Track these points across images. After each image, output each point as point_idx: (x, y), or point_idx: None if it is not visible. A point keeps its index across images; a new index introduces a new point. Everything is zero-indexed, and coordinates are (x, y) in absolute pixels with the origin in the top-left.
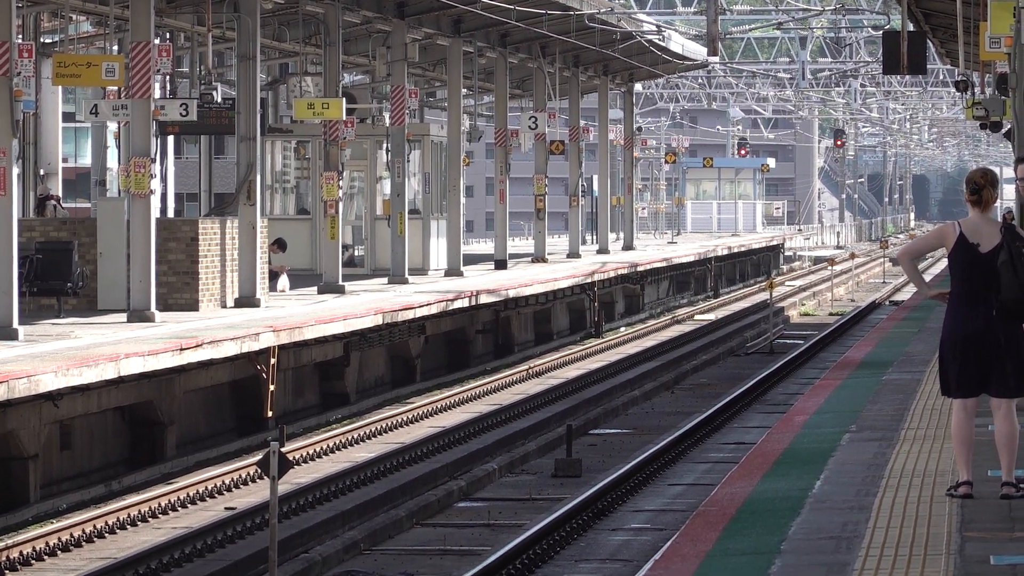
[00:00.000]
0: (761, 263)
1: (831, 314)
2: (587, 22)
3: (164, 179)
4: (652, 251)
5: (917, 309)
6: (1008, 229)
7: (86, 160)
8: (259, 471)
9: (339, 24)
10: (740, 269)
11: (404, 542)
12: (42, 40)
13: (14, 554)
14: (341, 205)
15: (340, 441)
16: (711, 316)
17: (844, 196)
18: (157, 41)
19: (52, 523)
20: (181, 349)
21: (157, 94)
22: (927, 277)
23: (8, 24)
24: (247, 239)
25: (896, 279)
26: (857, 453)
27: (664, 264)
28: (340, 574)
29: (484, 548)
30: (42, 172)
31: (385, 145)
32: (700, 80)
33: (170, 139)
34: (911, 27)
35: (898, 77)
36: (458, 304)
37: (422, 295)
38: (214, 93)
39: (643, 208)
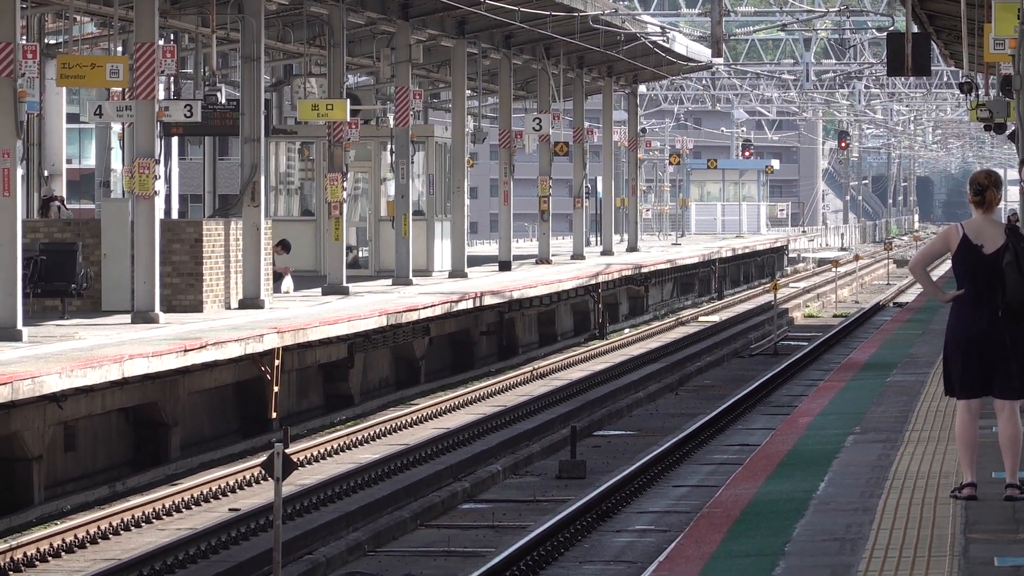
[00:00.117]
0: (765, 265)
1: (835, 316)
2: (591, 23)
3: (168, 180)
4: (656, 253)
5: (921, 311)
6: (1012, 230)
7: (90, 161)
8: (263, 472)
9: (343, 25)
10: (744, 271)
11: (408, 543)
12: (46, 41)
13: (18, 555)
14: (345, 206)
15: (344, 442)
16: (715, 318)
17: (848, 198)
18: (161, 42)
19: (56, 524)
20: (185, 350)
21: (161, 95)
22: (932, 277)
23: (12, 25)
24: (251, 240)
25: (900, 280)
26: (861, 455)
27: (668, 266)
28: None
29: (488, 550)
30: (46, 173)
31: (389, 146)
32: (704, 82)
33: (174, 140)
34: (915, 29)
35: (902, 79)
36: (462, 305)
37: (426, 296)
38: (218, 94)
39: (647, 210)
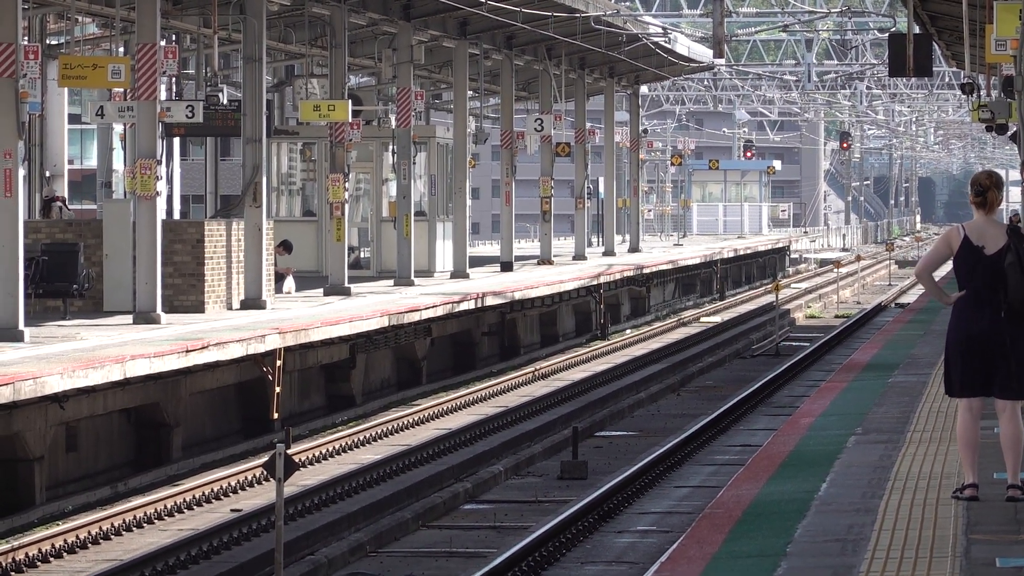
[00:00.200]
0: (767, 265)
1: (837, 316)
2: (593, 24)
3: (170, 181)
4: (658, 253)
5: (923, 311)
6: (1014, 231)
7: (92, 162)
8: (265, 473)
9: (345, 26)
10: (746, 271)
11: (410, 544)
12: (48, 42)
13: (20, 556)
14: (347, 207)
15: (346, 443)
16: (717, 318)
17: (850, 198)
18: (163, 43)
19: (58, 525)
20: (187, 351)
21: (163, 96)
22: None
23: (14, 26)
24: (253, 241)
25: (902, 281)
26: (863, 455)
27: (670, 266)
28: None
29: (490, 550)
30: (48, 174)
31: (391, 147)
32: (706, 82)
33: (176, 141)
34: (917, 29)
35: (904, 79)
36: (464, 306)
37: (428, 297)
38: (220, 95)
39: (649, 210)
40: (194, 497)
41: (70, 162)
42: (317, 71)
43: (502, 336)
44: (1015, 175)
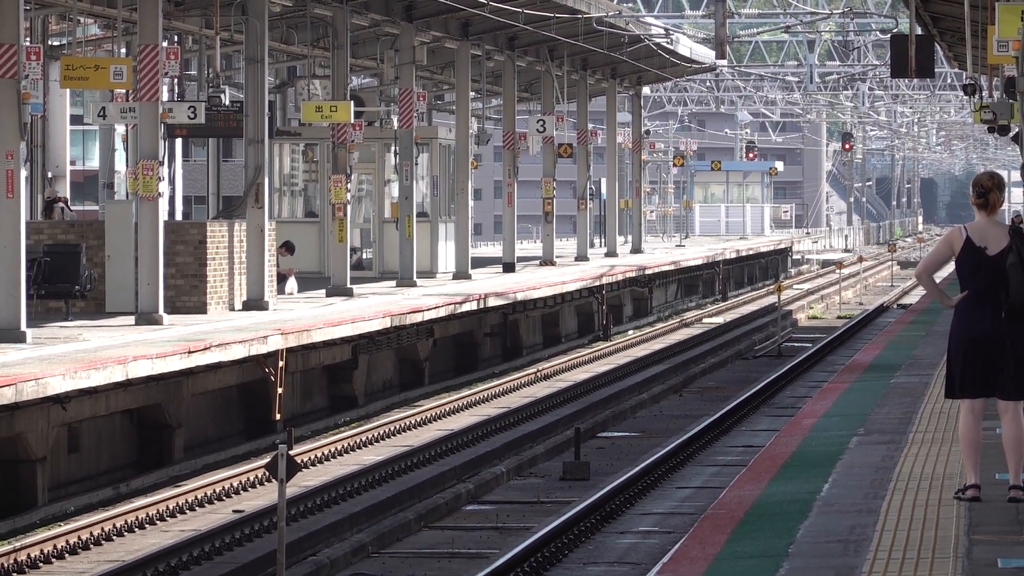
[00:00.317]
0: (769, 266)
1: (839, 317)
2: (595, 25)
3: (172, 182)
4: (660, 254)
5: (925, 312)
6: (1016, 232)
7: (94, 163)
8: (267, 474)
9: (347, 27)
10: (748, 272)
11: (412, 545)
12: (50, 43)
13: (22, 557)
14: (349, 208)
15: (348, 444)
16: (719, 319)
17: (852, 199)
18: (165, 44)
19: (60, 526)
20: (189, 352)
21: (165, 97)
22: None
23: (16, 27)
24: (255, 242)
25: (904, 282)
26: (865, 456)
27: (672, 267)
28: None
29: (492, 551)
30: (50, 175)
31: (393, 148)
32: (708, 83)
33: (178, 142)
34: (919, 31)
35: (906, 81)
36: (466, 307)
37: (430, 298)
38: (222, 96)
39: (651, 211)
40: (196, 498)
41: (72, 163)
42: (319, 72)
43: (504, 337)
44: (1017, 176)
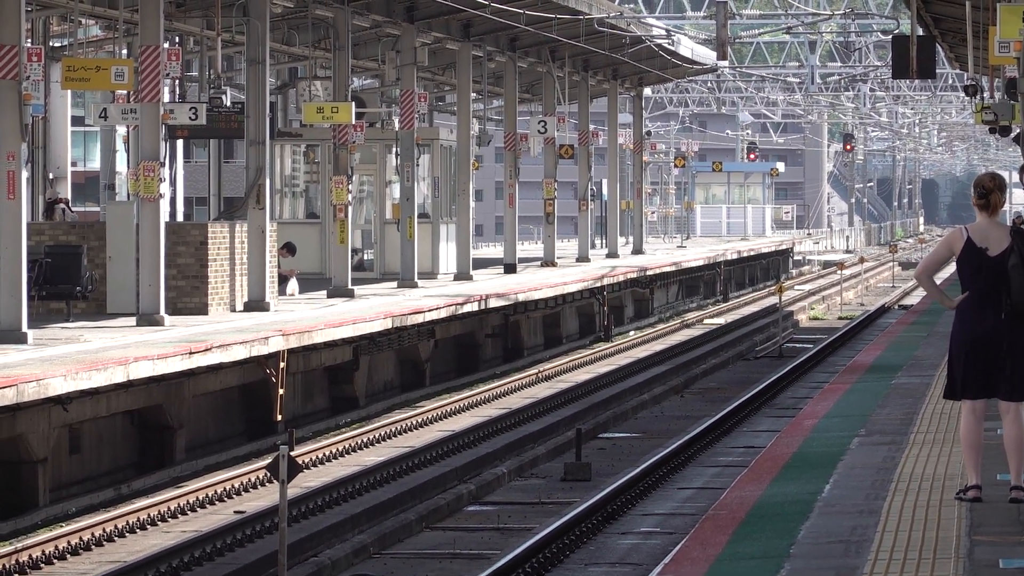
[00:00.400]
0: (770, 267)
1: (840, 318)
2: (596, 26)
3: (173, 183)
4: (661, 255)
5: (926, 313)
6: (1018, 233)
7: (95, 164)
8: (268, 475)
9: (348, 28)
10: (749, 273)
11: (413, 546)
12: (51, 44)
13: (23, 558)
14: (350, 209)
15: (349, 445)
16: (720, 320)
17: (853, 200)
18: (166, 45)
19: (61, 527)
20: (190, 353)
21: (166, 98)
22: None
23: (17, 28)
24: (256, 243)
25: (905, 283)
26: (866, 457)
27: (673, 268)
28: None
29: (494, 552)
30: (51, 176)
31: (394, 149)
32: (709, 84)
33: (179, 143)
34: (920, 31)
35: (907, 81)
36: (467, 308)
37: (431, 299)
38: (223, 97)
39: (652, 212)
40: (197, 499)
41: (73, 164)
42: (320, 73)
43: (506, 338)
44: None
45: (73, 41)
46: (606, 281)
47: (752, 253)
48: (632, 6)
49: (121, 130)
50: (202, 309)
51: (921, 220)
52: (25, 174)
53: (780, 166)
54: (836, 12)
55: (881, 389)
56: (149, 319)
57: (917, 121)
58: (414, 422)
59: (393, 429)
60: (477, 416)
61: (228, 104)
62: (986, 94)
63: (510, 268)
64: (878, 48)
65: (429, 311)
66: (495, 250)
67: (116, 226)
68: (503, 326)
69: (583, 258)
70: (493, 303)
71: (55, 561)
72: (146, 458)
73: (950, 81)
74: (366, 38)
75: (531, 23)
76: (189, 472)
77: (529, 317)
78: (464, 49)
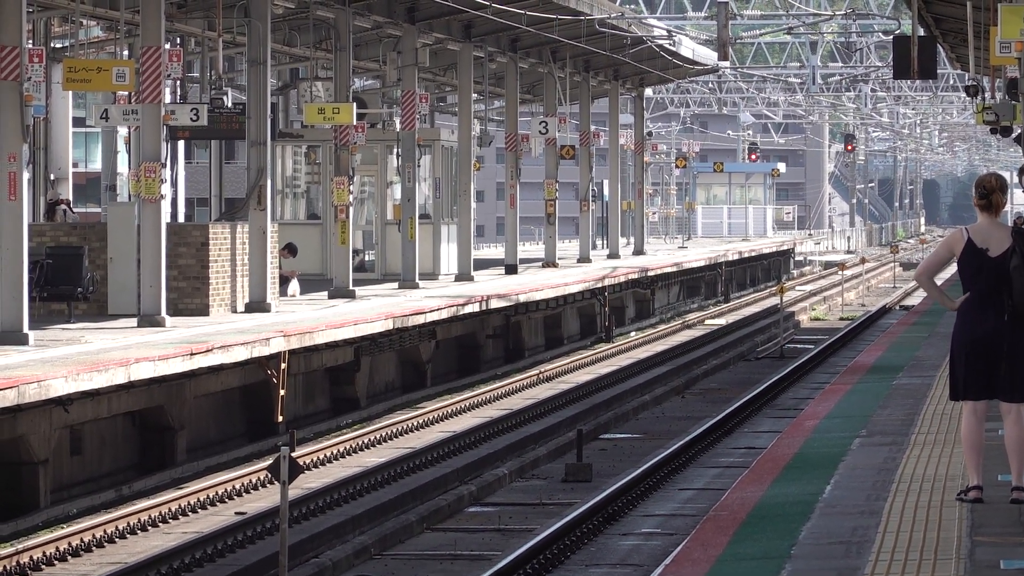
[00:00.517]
0: (772, 268)
1: (841, 319)
2: (597, 27)
3: (174, 184)
4: (663, 256)
5: (927, 314)
6: (1019, 234)
7: (96, 165)
8: (270, 476)
9: (350, 29)
10: (751, 274)
11: (415, 547)
12: (52, 45)
13: (24, 559)
14: (351, 210)
15: (351, 446)
16: (722, 321)
17: (854, 201)
18: (168, 46)
19: (62, 528)
20: (191, 354)
21: (168, 99)
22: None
23: (18, 29)
24: (257, 244)
25: (906, 283)
26: (867, 458)
27: (675, 269)
28: None
29: (495, 553)
30: (52, 177)
31: (396, 150)
32: (711, 85)
33: (180, 144)
34: (921, 32)
35: (908, 82)
36: (469, 309)
37: (433, 300)
38: (224, 98)
39: (653, 213)
40: (198, 500)
41: (74, 165)
42: (322, 74)
43: (507, 339)
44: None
45: (74, 42)
46: (607, 282)
47: (753, 254)
48: (633, 7)
49: (122, 131)
50: (203, 310)
51: (922, 221)
52: (26, 175)
53: (781, 167)
54: (837, 12)
55: (882, 390)
56: (150, 320)
57: (918, 121)
58: (415, 423)
59: (394, 430)
60: (478, 417)
61: (229, 105)
62: (987, 94)
63: (511, 269)
64: (879, 48)
65: (430, 312)
66: (496, 251)
67: (117, 227)
68: (504, 327)
69: (584, 259)
70: (494, 304)
71: (56, 562)
72: (147, 459)
73: (951, 81)
74: (367, 39)
75: (532, 24)
76: (190, 473)
77: (530, 318)
78: (465, 50)
